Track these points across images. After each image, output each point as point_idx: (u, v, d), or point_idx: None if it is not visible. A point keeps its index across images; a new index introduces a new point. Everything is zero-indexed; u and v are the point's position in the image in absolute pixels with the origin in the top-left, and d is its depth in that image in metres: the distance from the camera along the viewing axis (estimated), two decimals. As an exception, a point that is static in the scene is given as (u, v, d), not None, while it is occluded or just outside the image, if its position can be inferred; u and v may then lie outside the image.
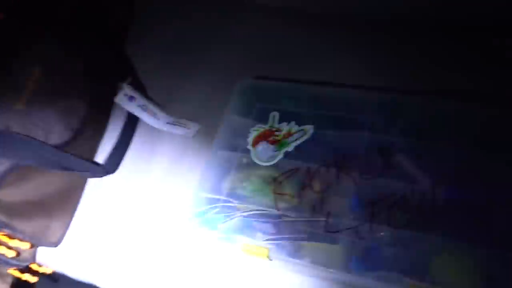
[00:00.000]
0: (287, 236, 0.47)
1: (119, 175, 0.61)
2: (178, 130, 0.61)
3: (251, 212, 0.49)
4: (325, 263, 0.44)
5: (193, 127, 0.61)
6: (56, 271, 0.58)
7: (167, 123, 0.62)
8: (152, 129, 0.63)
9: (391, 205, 0.45)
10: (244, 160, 0.53)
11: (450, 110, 0.48)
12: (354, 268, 0.44)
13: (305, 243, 0.46)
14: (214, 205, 0.50)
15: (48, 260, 0.58)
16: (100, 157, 0.62)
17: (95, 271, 0.56)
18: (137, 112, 0.63)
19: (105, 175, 0.61)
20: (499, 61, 0.52)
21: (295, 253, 0.46)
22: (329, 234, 0.46)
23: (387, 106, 0.51)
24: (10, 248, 0.54)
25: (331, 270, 0.44)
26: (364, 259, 0.44)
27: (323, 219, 0.46)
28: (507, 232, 0.40)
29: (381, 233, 0.44)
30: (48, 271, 0.58)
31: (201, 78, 0.65)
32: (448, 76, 0.53)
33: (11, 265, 0.55)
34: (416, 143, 0.48)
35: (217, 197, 0.51)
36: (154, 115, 0.64)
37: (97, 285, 0.56)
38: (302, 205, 0.48)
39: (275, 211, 0.48)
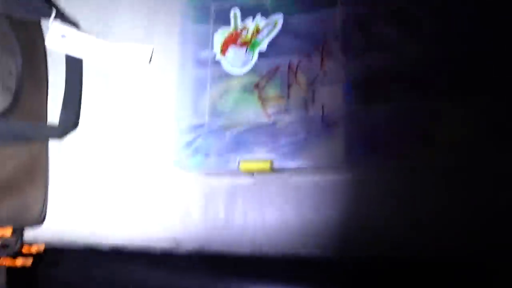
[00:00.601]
0: (285, 141, 0.44)
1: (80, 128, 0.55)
2: (130, 58, 0.54)
3: (241, 128, 0.45)
4: (328, 159, 0.43)
5: (146, 50, 0.54)
6: (48, 245, 0.54)
7: (114, 52, 0.54)
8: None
9: (384, 80, 0.43)
10: (217, 73, 0.47)
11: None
12: (358, 155, 0.42)
13: (305, 143, 0.44)
14: (199, 131, 0.46)
15: (37, 236, 0.53)
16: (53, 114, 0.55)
17: (89, 231, 0.52)
18: (74, 50, 0.54)
19: (65, 134, 0.54)
20: None
21: (297, 157, 0.43)
22: (327, 127, 0.43)
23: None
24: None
25: (335, 164, 0.42)
26: (366, 144, 0.42)
27: (318, 113, 0.43)
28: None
29: (380, 112, 0.42)
30: (40, 248, 0.54)
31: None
32: None
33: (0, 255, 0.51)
34: (393, 9, 0.43)
35: (199, 121, 0.46)
36: (95, 47, 0.55)
37: (96, 243, 0.52)
38: (292, 104, 0.44)
39: (265, 119, 0.45)
